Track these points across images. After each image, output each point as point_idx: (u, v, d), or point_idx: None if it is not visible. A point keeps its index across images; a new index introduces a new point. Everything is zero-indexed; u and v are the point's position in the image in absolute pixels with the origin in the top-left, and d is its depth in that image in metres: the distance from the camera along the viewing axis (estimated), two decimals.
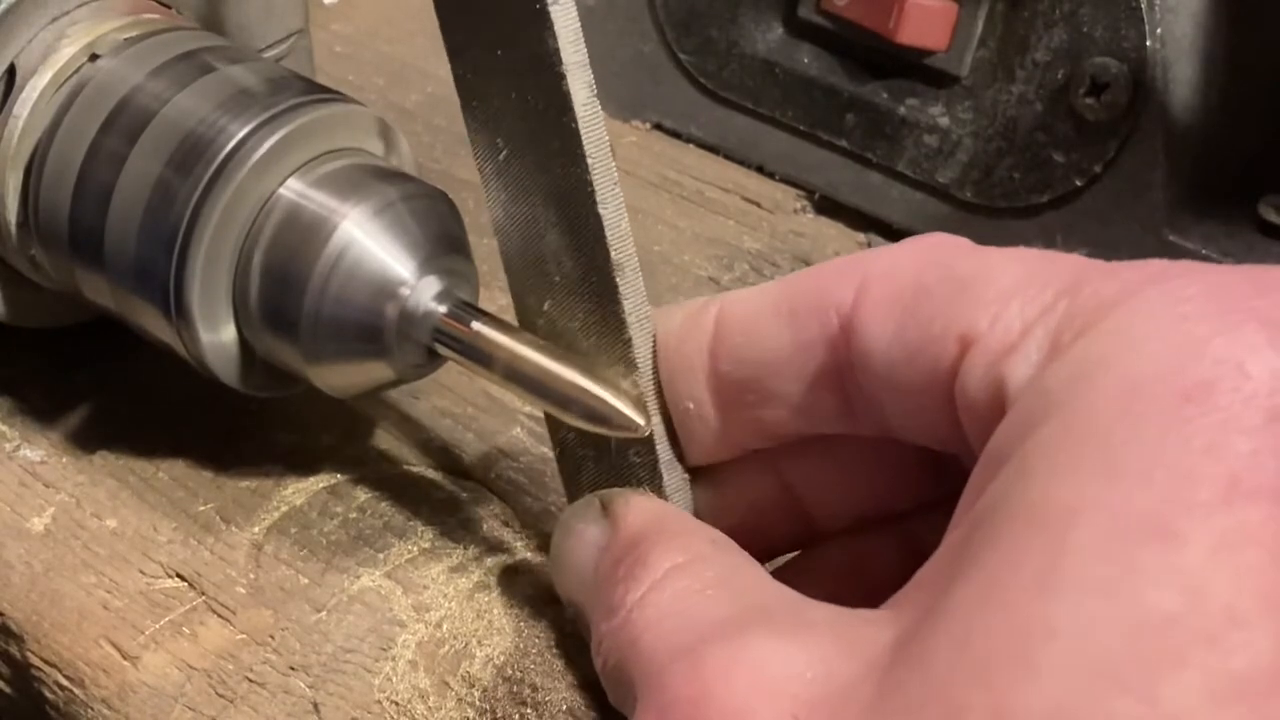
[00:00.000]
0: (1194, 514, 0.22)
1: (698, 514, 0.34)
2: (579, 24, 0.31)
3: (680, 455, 0.34)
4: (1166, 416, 0.23)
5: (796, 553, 0.35)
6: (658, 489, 0.33)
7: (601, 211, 0.31)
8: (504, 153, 0.33)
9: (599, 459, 0.34)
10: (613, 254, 0.32)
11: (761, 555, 0.32)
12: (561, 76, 0.31)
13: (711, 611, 0.28)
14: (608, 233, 0.32)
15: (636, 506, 0.33)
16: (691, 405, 0.32)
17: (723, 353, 0.31)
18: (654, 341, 0.33)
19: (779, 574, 0.32)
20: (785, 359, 0.30)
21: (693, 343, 0.32)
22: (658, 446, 0.33)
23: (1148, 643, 0.21)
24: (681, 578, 0.30)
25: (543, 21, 0.30)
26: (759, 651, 0.26)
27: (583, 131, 0.31)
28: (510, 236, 0.34)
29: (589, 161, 0.31)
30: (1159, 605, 0.21)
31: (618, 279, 0.32)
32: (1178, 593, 0.21)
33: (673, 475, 0.33)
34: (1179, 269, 0.25)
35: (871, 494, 0.33)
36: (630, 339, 0.32)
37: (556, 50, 0.30)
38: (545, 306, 0.34)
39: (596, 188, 0.31)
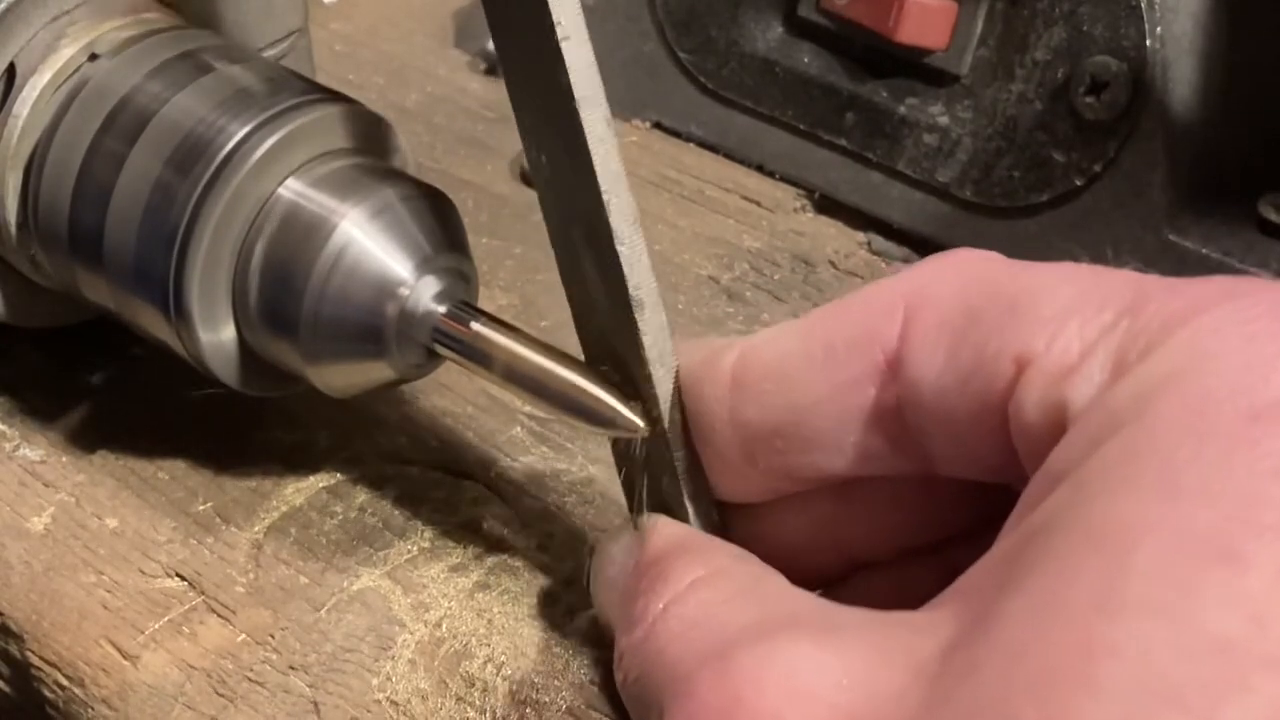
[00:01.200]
0: (1261, 538, 0.21)
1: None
2: (593, 58, 0.31)
3: (708, 490, 0.33)
4: (1234, 437, 0.22)
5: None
6: (685, 521, 0.33)
7: (619, 248, 0.31)
8: (547, 171, 0.33)
9: (649, 486, 0.34)
10: (631, 292, 0.31)
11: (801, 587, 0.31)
12: (575, 113, 0.31)
13: (738, 618, 0.28)
14: (625, 270, 0.31)
15: (663, 528, 0.32)
16: (715, 449, 0.32)
17: (746, 401, 0.31)
18: (677, 377, 0.32)
19: None
20: (821, 402, 0.29)
21: (711, 389, 0.31)
22: (681, 480, 0.33)
23: (1209, 666, 0.21)
24: (704, 589, 0.29)
25: (556, 57, 0.30)
26: (790, 656, 0.25)
27: (598, 169, 0.31)
28: (561, 251, 0.34)
29: (605, 198, 0.31)
30: (1223, 629, 0.21)
31: (637, 316, 0.32)
32: (1241, 617, 0.21)
33: (699, 507, 0.33)
34: (1245, 286, 0.25)
35: (912, 528, 0.33)
36: (650, 375, 0.32)
37: (570, 85, 0.30)
38: (589, 323, 0.34)
39: (614, 226, 0.31)
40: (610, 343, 0.33)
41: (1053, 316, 0.26)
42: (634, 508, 0.35)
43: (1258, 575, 0.21)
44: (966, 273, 0.28)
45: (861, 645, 0.25)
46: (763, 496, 0.32)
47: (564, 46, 0.30)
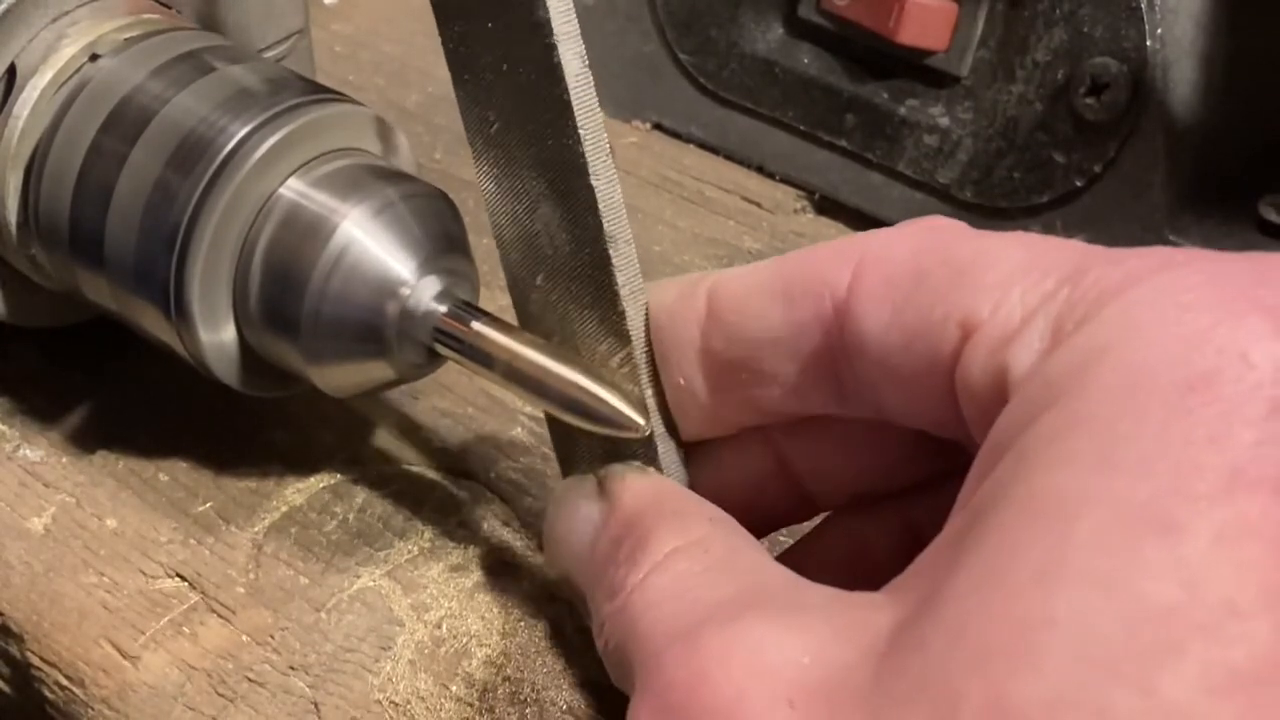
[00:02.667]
0: (1195, 505, 0.22)
1: (693, 488, 0.34)
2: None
3: (674, 429, 0.33)
4: (1169, 407, 0.22)
5: (796, 539, 0.35)
6: (652, 461, 0.33)
7: (594, 183, 0.31)
8: (495, 126, 0.33)
9: (594, 435, 0.34)
10: (605, 225, 0.32)
11: (759, 529, 0.32)
12: (553, 47, 0.31)
13: (710, 594, 0.28)
14: (600, 204, 0.31)
15: (633, 485, 0.33)
16: (683, 381, 0.32)
17: (715, 330, 0.31)
18: (647, 314, 0.32)
19: (779, 558, 0.32)
20: (778, 339, 0.30)
21: (685, 319, 0.32)
22: (652, 418, 0.33)
23: (1147, 634, 0.21)
24: (681, 560, 0.30)
25: None
26: (755, 636, 0.26)
27: (574, 103, 0.31)
28: (501, 211, 0.34)
29: (581, 133, 0.31)
30: (1159, 597, 0.21)
31: (610, 251, 0.32)
32: (1177, 585, 0.21)
33: (667, 447, 0.33)
34: (1182, 257, 0.25)
35: (869, 472, 0.33)
36: (624, 311, 0.32)
37: (548, 21, 0.30)
38: (538, 281, 0.34)
39: (589, 160, 0.31)
40: (559, 299, 0.33)
41: (997, 283, 0.26)
42: (574, 460, 0.35)
43: (1193, 543, 0.21)
44: (923, 236, 0.29)
45: (823, 624, 0.26)
46: (724, 430, 0.33)
47: None
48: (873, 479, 0.33)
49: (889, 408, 0.30)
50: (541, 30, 0.31)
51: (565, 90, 0.31)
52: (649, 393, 0.33)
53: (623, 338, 0.32)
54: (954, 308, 0.27)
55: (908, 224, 0.30)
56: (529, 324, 0.34)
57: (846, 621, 0.26)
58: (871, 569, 0.30)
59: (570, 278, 0.33)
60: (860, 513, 0.34)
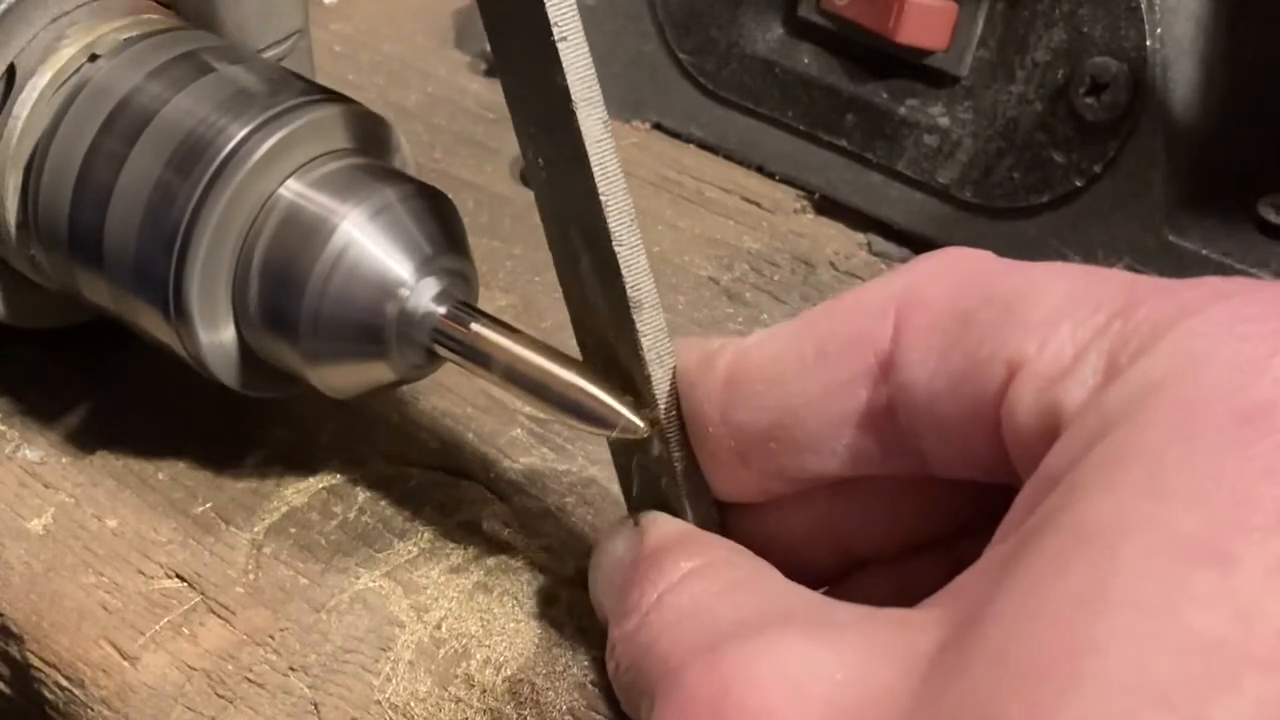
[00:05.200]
0: (1249, 537, 0.21)
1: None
2: (590, 59, 0.31)
3: (707, 491, 0.33)
4: (1223, 437, 0.22)
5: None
6: (684, 520, 0.33)
7: (617, 249, 0.31)
8: (544, 173, 0.33)
9: (649, 485, 0.34)
10: (629, 291, 0.31)
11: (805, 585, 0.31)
12: (572, 114, 0.31)
13: (731, 612, 0.28)
14: (624, 271, 0.31)
15: (661, 523, 0.32)
16: (709, 450, 0.32)
17: (740, 400, 0.30)
18: (674, 377, 0.32)
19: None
20: (813, 404, 0.29)
21: (705, 390, 0.31)
22: (680, 480, 0.33)
23: (1197, 665, 0.21)
24: (698, 580, 0.29)
25: (553, 58, 0.30)
26: (782, 650, 0.25)
27: (595, 169, 0.31)
28: (559, 254, 0.34)
29: (602, 198, 0.31)
30: (1211, 628, 0.21)
31: (635, 317, 0.32)
32: (1230, 616, 0.21)
33: (698, 509, 0.33)
34: (1236, 287, 0.25)
35: (912, 526, 0.32)
36: (649, 376, 0.32)
37: (566, 88, 0.30)
38: (587, 324, 0.34)
39: (611, 225, 0.31)
40: (609, 344, 0.33)
41: (1044, 320, 0.26)
42: (632, 506, 0.35)
43: (1247, 575, 0.21)
44: (959, 273, 0.28)
45: (856, 641, 0.25)
46: (758, 497, 0.32)
47: (561, 48, 0.30)
48: (920, 532, 0.32)
49: (934, 458, 0.29)
50: (563, 96, 0.31)
51: (586, 154, 0.31)
52: (677, 455, 0.32)
53: (650, 400, 0.32)
54: (1000, 347, 0.26)
55: (931, 260, 0.29)
56: (591, 363, 0.34)
57: (880, 639, 0.25)
58: (913, 603, 0.29)
59: (608, 332, 0.33)
60: (905, 557, 0.33)
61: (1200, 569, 0.21)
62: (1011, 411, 0.26)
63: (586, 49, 0.31)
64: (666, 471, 0.33)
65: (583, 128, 0.31)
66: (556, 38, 0.30)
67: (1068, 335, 0.25)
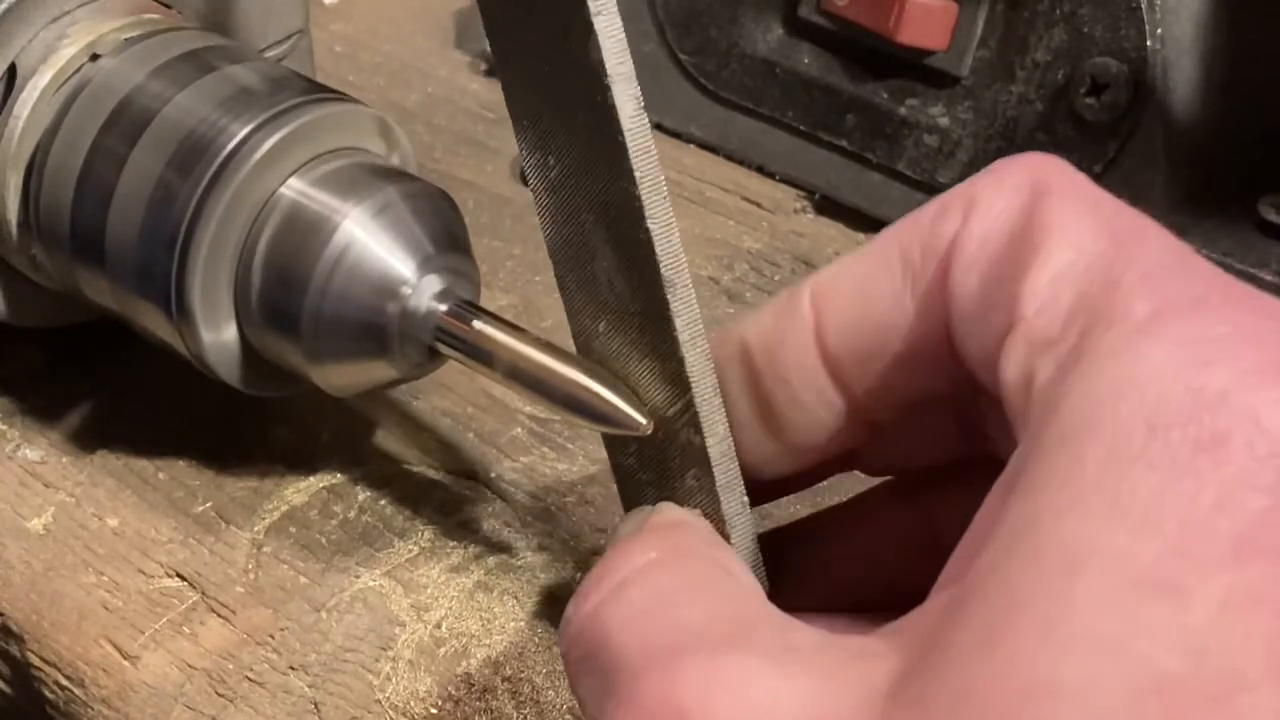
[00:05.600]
0: (1201, 570, 0.21)
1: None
2: (624, 34, 0.30)
3: (741, 480, 0.32)
4: (1179, 466, 0.22)
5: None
6: (715, 513, 0.32)
7: (650, 227, 0.30)
8: (554, 170, 0.32)
9: (659, 484, 0.33)
10: (663, 271, 0.31)
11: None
12: (607, 89, 0.30)
13: (689, 616, 0.27)
14: (658, 249, 0.31)
15: (666, 510, 0.32)
16: (812, 396, 0.30)
17: (834, 332, 0.29)
18: (710, 360, 0.31)
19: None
20: (910, 317, 0.28)
21: (795, 335, 0.30)
22: (715, 469, 0.32)
23: (1152, 704, 0.21)
24: (660, 573, 0.29)
25: (587, 32, 0.30)
26: (741, 674, 0.25)
27: (630, 145, 0.30)
28: (563, 257, 0.33)
29: (636, 175, 0.30)
30: (1164, 666, 0.21)
31: (669, 296, 0.31)
32: (1183, 653, 0.21)
33: (730, 499, 0.32)
34: (1218, 297, 0.24)
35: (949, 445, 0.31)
36: (683, 358, 0.31)
37: (601, 63, 0.30)
38: (600, 327, 0.33)
39: (645, 204, 0.30)
40: (625, 336, 0.32)
41: (1051, 277, 0.25)
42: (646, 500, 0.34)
43: (1200, 609, 0.21)
44: (1025, 187, 0.27)
45: (814, 670, 0.25)
46: (855, 439, 0.31)
47: (597, 23, 0.29)
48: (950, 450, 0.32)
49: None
50: (596, 72, 0.30)
51: (620, 132, 0.30)
52: (711, 441, 0.31)
53: (683, 385, 0.31)
54: (1012, 293, 0.26)
55: (1013, 166, 0.28)
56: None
57: (839, 668, 0.25)
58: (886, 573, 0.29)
59: (630, 325, 0.32)
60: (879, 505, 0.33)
61: (1154, 603, 0.21)
62: (1004, 368, 0.26)
63: (620, 23, 0.30)
64: (696, 461, 0.32)
65: (618, 104, 0.30)
66: (593, 12, 0.29)
67: (1065, 303, 0.25)
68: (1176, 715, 0.20)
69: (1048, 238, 0.26)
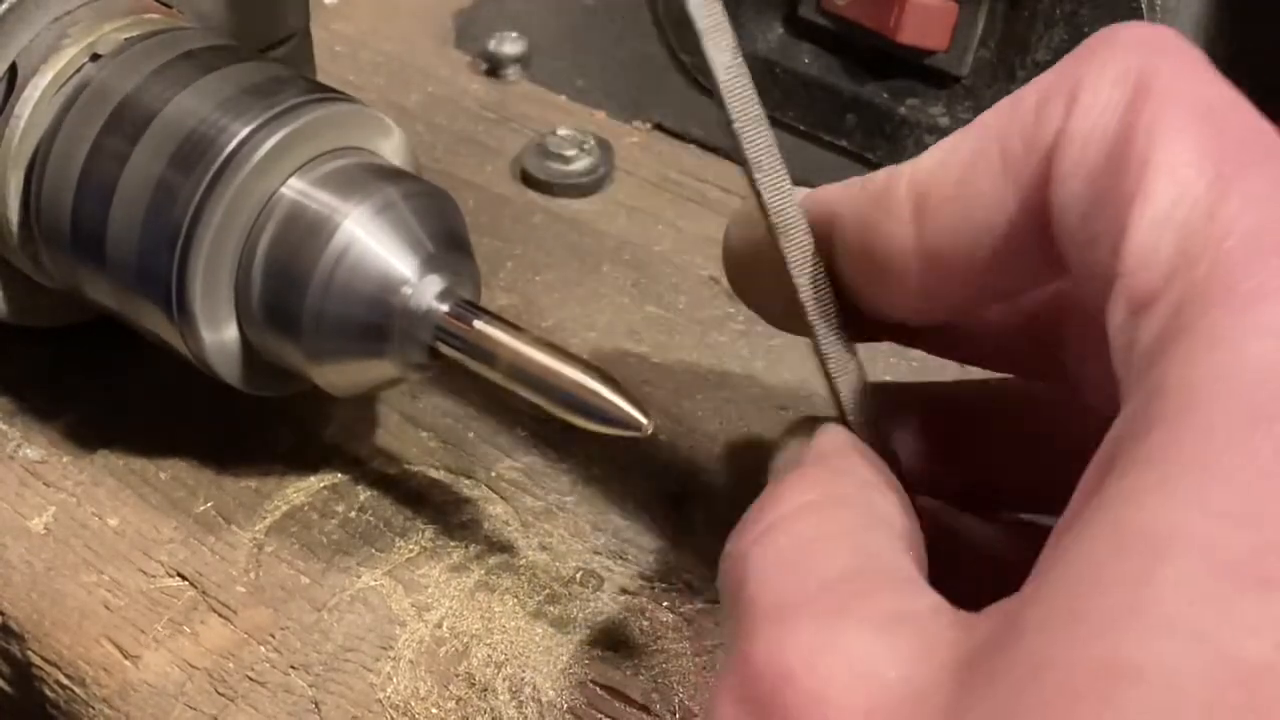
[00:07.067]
0: None
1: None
2: None
3: (839, 325, 0.32)
4: (1278, 459, 0.22)
5: None
6: (817, 350, 0.32)
7: (757, 176, 0.31)
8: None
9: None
10: (772, 218, 0.31)
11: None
12: (700, 37, 0.31)
13: (823, 570, 0.27)
14: (765, 197, 0.31)
15: (829, 436, 0.31)
16: (894, 281, 0.30)
17: (933, 224, 0.29)
18: (808, 234, 0.31)
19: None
20: (1012, 210, 0.27)
21: (891, 224, 0.29)
22: (827, 361, 0.32)
23: (1241, 693, 0.20)
24: (806, 520, 0.28)
25: None
26: (848, 640, 0.25)
27: (727, 99, 0.31)
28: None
29: (735, 126, 0.31)
30: (1254, 655, 0.20)
31: (781, 242, 0.31)
32: (1271, 644, 0.20)
33: (828, 339, 0.32)
34: None
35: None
36: (796, 286, 0.31)
37: (690, 14, 0.30)
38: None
39: (749, 158, 0.31)
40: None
41: (1151, 225, 0.24)
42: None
43: None
44: (1123, 79, 0.26)
45: (917, 638, 0.25)
46: (911, 321, 0.31)
47: None
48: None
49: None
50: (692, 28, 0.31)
51: (718, 86, 0.31)
52: (807, 285, 0.31)
53: (801, 315, 0.31)
54: (1113, 231, 0.25)
55: (1115, 48, 0.27)
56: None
57: (938, 638, 0.25)
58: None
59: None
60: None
61: (1247, 592, 0.21)
62: (1111, 318, 0.25)
63: None
64: (825, 371, 0.32)
65: (710, 55, 0.31)
66: None
67: (1165, 259, 0.24)
68: (1260, 706, 0.20)
69: (1146, 169, 0.25)
